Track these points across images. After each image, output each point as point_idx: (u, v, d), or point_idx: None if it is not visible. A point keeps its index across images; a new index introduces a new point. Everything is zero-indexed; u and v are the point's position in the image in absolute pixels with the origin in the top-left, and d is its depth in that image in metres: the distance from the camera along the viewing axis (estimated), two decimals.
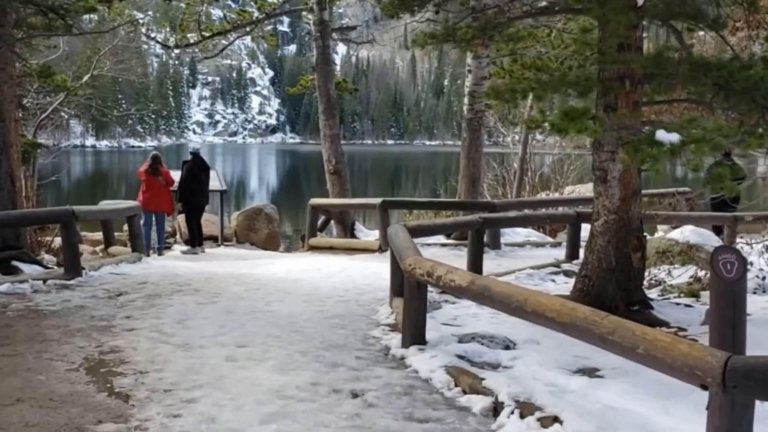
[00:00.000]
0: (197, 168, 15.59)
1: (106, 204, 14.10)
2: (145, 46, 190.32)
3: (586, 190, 20.68)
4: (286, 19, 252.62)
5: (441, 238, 17.09)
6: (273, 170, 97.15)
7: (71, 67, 21.74)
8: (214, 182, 16.94)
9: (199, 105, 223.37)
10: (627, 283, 8.54)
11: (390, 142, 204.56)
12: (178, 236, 17.32)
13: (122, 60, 22.83)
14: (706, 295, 9.69)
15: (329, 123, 17.29)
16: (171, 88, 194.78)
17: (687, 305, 8.99)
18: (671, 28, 8.08)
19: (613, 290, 8.52)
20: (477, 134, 16.00)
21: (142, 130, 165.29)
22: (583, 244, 13.32)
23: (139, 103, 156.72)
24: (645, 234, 8.86)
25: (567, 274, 11.89)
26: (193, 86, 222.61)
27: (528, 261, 13.75)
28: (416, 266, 6.89)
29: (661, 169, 6.07)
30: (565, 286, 10.96)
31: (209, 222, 17.64)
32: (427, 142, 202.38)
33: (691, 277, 10.22)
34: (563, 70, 16.78)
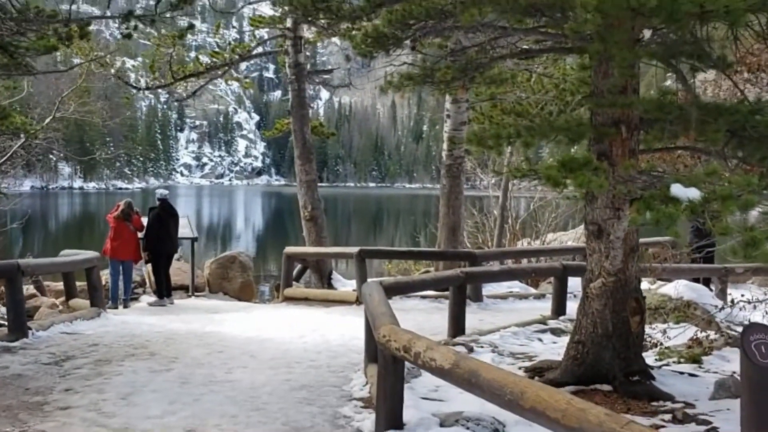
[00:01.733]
0: (165, 215, 14.39)
1: (66, 253, 12.88)
2: (134, 91, 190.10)
3: (568, 238, 19.68)
4: (271, 66, 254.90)
5: None
6: (258, 212, 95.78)
7: (35, 109, 20.55)
8: (185, 229, 15.74)
9: (186, 147, 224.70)
10: (625, 350, 7.45)
11: (372, 184, 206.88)
12: (147, 286, 16.04)
13: (87, 102, 21.64)
14: (708, 361, 8.64)
15: (305, 168, 16.17)
16: (159, 131, 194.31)
17: (691, 374, 7.90)
18: (672, 68, 7.07)
19: (610, 358, 7.43)
20: (457, 181, 14.95)
21: (129, 172, 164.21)
22: (569, 297, 12.40)
23: (127, 146, 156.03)
24: (644, 295, 7.79)
25: (554, 332, 10.81)
26: (181, 129, 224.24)
27: (511, 315, 12.68)
28: (392, 338, 5.76)
29: (680, 231, 5.00)
30: (553, 346, 9.88)
31: (180, 270, 16.41)
32: (407, 185, 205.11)
33: (690, 339, 9.14)
34: (543, 115, 15.91)
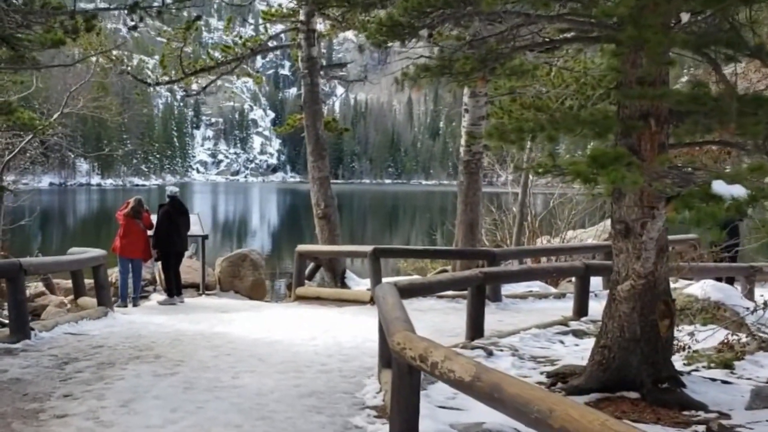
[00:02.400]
0: (174, 212, 14.03)
1: (74, 251, 12.52)
2: (151, 89, 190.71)
3: (588, 235, 19.19)
4: (287, 63, 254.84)
5: None
6: (272, 209, 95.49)
7: (44, 104, 20.17)
8: (195, 227, 15.37)
9: (202, 145, 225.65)
10: (654, 355, 7.01)
11: (387, 181, 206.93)
12: (158, 284, 15.66)
13: (97, 97, 21.24)
14: (741, 366, 8.16)
15: (318, 165, 15.74)
16: (175, 128, 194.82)
17: (723, 381, 7.44)
18: (706, 57, 6.60)
19: (637, 364, 7.00)
20: (475, 177, 14.49)
21: (146, 169, 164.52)
22: (591, 296, 11.95)
23: (143, 144, 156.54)
24: (673, 297, 7.34)
25: (576, 334, 10.37)
26: (197, 127, 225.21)
27: (531, 316, 12.24)
28: (407, 346, 5.34)
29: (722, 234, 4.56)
30: (575, 349, 9.45)
31: (191, 269, 16.06)
32: (424, 182, 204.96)
33: (720, 342, 8.66)
34: (564, 110, 15.42)
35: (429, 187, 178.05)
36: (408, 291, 8.04)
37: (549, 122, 7.14)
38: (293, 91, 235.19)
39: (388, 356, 7.34)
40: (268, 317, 11.84)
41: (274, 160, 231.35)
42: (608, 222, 19.88)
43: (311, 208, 16.42)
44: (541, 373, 8.09)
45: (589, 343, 9.95)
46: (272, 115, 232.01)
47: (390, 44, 8.06)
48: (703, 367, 8.15)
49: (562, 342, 10.01)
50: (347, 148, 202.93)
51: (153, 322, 11.00)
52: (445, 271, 16.26)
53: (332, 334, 10.08)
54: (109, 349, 8.78)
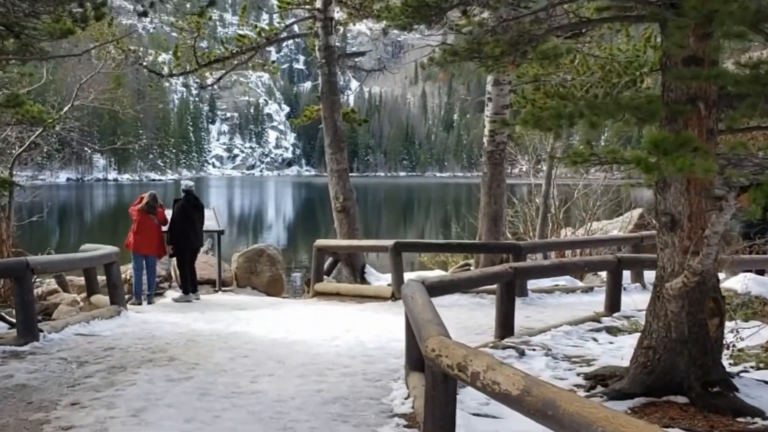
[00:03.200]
0: (190, 207, 13.54)
1: (86, 248, 12.06)
2: (167, 84, 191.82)
3: (613, 227, 18.58)
4: (301, 57, 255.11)
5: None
6: (288, 202, 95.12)
7: (55, 98, 19.64)
8: (211, 222, 14.89)
9: (218, 139, 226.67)
10: (702, 356, 6.46)
11: (402, 173, 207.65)
12: (173, 280, 15.19)
13: (108, 89, 20.69)
14: None
15: (336, 157, 15.18)
16: (191, 123, 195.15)
17: None
18: (763, 35, 6.01)
19: (685, 366, 6.45)
20: (499, 168, 13.92)
21: (162, 164, 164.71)
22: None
23: (159, 138, 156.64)
24: (722, 295, 6.77)
25: (610, 331, 9.82)
26: (213, 121, 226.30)
27: (560, 311, 11.70)
28: (442, 353, 4.82)
29: None
30: (610, 347, 8.91)
31: (207, 264, 15.58)
32: (438, 174, 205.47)
33: None
34: (588, 98, 14.81)
35: (443, 179, 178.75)
36: (436, 289, 7.52)
37: (588, 107, 6.59)
38: (308, 85, 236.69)
39: (415, 359, 6.86)
40: (287, 315, 11.34)
41: (289, 154, 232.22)
42: (634, 213, 19.31)
43: (327, 201, 15.90)
44: (578, 374, 7.55)
45: (624, 340, 9.43)
46: (287, 109, 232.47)
47: (415, 27, 7.53)
48: (752, 367, 7.60)
49: (595, 339, 9.48)
50: (362, 141, 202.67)
51: (167, 321, 10.52)
52: (468, 265, 15.72)
53: (354, 334, 9.57)
54: (120, 351, 8.31)
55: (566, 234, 17.67)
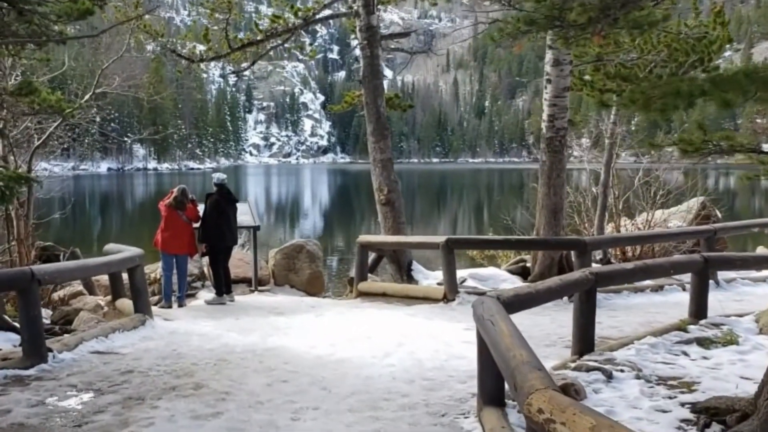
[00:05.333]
0: (223, 202, 12.17)
1: (109, 249, 10.78)
2: (205, 75, 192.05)
3: (673, 217, 16.93)
4: (335, 47, 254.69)
5: (503, 274, 13.58)
6: (324, 189, 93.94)
7: (79, 85, 18.36)
8: (246, 217, 13.53)
9: (255, 128, 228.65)
10: None
11: (435, 160, 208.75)
12: (207, 278, 13.85)
13: (133, 75, 19.33)
14: None
15: (379, 145, 13.67)
16: (228, 113, 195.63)
17: None
18: None
19: None
20: (559, 156, 12.38)
21: (201, 153, 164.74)
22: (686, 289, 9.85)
23: (198, 128, 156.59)
24: None
25: (701, 343, 8.27)
26: (249, 111, 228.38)
27: (632, 315, 10.24)
28: (555, 418, 3.39)
29: None
30: (707, 364, 7.40)
31: (242, 262, 14.24)
32: (470, 160, 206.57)
33: None
34: (652, 79, 13.32)
35: (476, 165, 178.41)
36: (515, 305, 6.07)
37: (712, 83, 5.10)
38: (342, 74, 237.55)
39: (493, 393, 5.51)
40: (330, 323, 9.92)
41: (324, 142, 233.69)
42: (693, 202, 17.65)
43: (362, 187, 14.54)
44: (682, 404, 6.08)
45: (721, 355, 7.91)
46: (322, 98, 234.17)
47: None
48: None
49: (686, 354, 7.97)
50: (396, 129, 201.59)
51: (197, 332, 9.16)
52: (522, 260, 14.23)
53: (408, 348, 8.13)
54: (140, 375, 6.96)
55: (627, 227, 16.08)
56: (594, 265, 12.29)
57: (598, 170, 16.21)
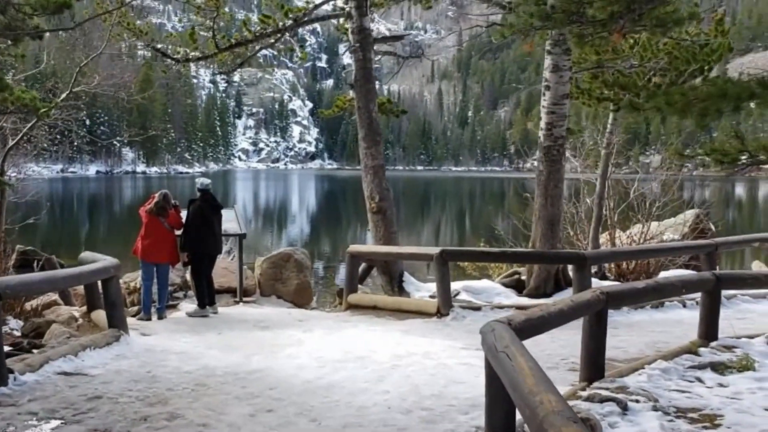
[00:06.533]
0: (207, 209, 11.33)
1: (85, 258, 9.91)
2: (195, 80, 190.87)
3: (667, 230, 16.24)
4: (324, 56, 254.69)
5: (498, 287, 12.86)
6: (311, 195, 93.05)
7: (57, 84, 17.44)
8: (231, 224, 12.68)
9: (244, 134, 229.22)
10: None
11: (419, 167, 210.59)
12: (190, 290, 12.95)
13: (113, 74, 18.39)
14: None
15: (371, 151, 12.86)
16: (218, 118, 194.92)
17: None
18: None
19: None
20: (557, 166, 11.65)
21: (190, 157, 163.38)
22: (691, 306, 9.15)
23: (188, 132, 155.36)
24: None
25: (715, 368, 7.54)
26: (239, 116, 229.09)
27: (636, 335, 9.56)
28: None
29: None
30: (726, 393, 6.68)
31: (227, 271, 13.38)
32: (453, 168, 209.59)
33: None
34: (651, 87, 12.68)
35: (459, 173, 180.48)
36: (525, 330, 5.30)
37: (761, 85, 4.36)
38: (330, 82, 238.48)
39: (500, 427, 4.75)
40: (319, 341, 9.08)
41: (312, 148, 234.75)
42: (688, 213, 16.98)
43: (349, 193, 13.78)
44: None
45: (738, 382, 7.17)
46: (310, 105, 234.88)
47: None
48: None
49: (701, 381, 7.24)
50: (382, 136, 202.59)
51: (175, 350, 8.30)
52: (516, 273, 13.46)
53: (404, 372, 7.33)
54: (109, 402, 6.11)
55: (621, 239, 15.37)
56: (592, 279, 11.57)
57: (593, 181, 15.52)
